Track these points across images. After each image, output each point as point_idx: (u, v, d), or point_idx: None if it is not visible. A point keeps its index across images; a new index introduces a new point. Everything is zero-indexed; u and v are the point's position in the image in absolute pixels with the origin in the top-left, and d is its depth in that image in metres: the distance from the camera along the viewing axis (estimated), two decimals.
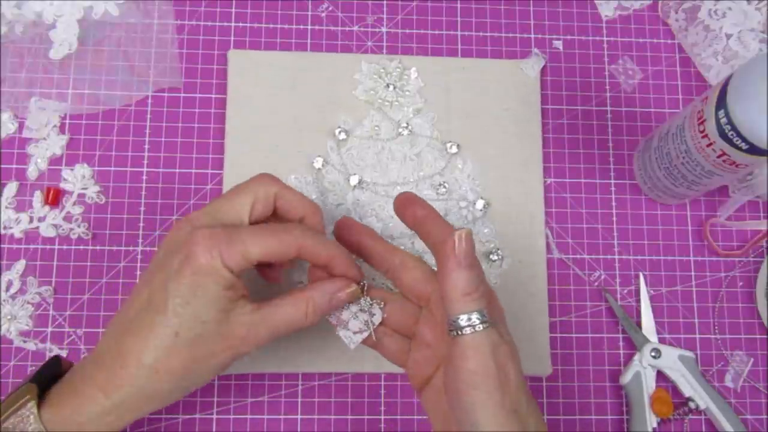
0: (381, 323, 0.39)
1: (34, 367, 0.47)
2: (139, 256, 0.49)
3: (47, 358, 0.39)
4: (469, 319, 0.33)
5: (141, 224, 0.49)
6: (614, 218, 0.51)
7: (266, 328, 0.36)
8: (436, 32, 0.54)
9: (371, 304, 0.39)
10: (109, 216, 0.49)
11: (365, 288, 0.39)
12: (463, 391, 0.33)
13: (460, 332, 0.33)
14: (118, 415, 0.35)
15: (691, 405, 0.47)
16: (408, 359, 0.39)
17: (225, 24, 0.53)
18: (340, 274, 0.38)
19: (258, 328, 0.36)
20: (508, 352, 0.34)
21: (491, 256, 0.49)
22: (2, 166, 0.49)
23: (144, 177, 0.50)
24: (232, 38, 0.52)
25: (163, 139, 0.50)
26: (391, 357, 0.40)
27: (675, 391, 0.48)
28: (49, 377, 0.37)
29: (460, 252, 0.33)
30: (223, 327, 0.35)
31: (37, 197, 0.49)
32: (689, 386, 0.47)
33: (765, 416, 0.49)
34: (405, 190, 0.39)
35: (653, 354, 0.48)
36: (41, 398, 0.35)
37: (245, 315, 0.36)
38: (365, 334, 0.39)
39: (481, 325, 0.33)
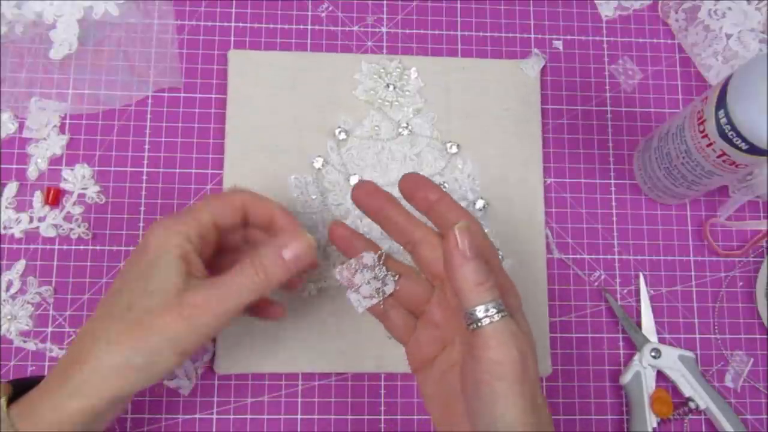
0: (391, 295, 0.38)
1: (34, 368, 0.47)
2: None
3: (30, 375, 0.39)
4: (487, 310, 0.32)
5: (141, 224, 0.49)
6: (614, 218, 0.51)
7: (220, 295, 0.35)
8: (436, 32, 0.54)
9: (385, 274, 0.38)
10: (109, 216, 0.49)
11: (382, 257, 0.38)
12: (485, 382, 0.32)
13: (479, 324, 0.32)
14: (81, 401, 0.34)
15: (691, 405, 0.47)
16: (411, 337, 0.38)
17: (225, 24, 0.53)
18: (286, 225, 0.38)
19: (212, 294, 0.35)
20: (527, 342, 0.33)
21: None
22: (2, 166, 0.49)
23: (144, 177, 0.50)
24: (232, 38, 0.52)
25: (163, 139, 0.50)
26: (394, 331, 0.39)
27: (675, 391, 0.48)
28: (28, 386, 0.36)
29: (463, 246, 0.33)
30: (172, 296, 0.34)
31: (37, 197, 0.49)
32: (689, 386, 0.47)
33: (765, 416, 0.49)
34: (410, 172, 0.38)
35: (653, 354, 0.48)
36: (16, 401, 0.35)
37: (199, 283, 0.35)
38: (374, 301, 0.38)
39: (498, 315, 0.32)
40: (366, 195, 0.38)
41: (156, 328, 0.34)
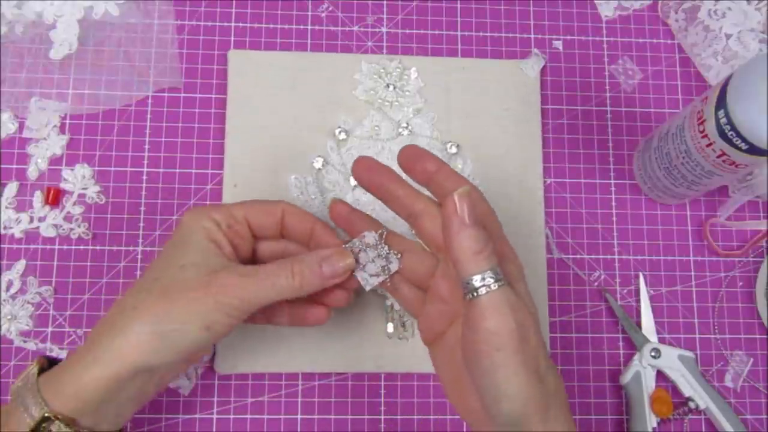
0: (397, 272, 0.39)
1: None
2: (139, 256, 0.49)
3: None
4: (483, 279, 0.32)
5: (141, 224, 0.49)
6: (614, 218, 0.51)
7: (254, 283, 0.36)
8: (436, 32, 0.54)
9: (388, 253, 0.39)
10: (109, 216, 0.49)
11: (383, 235, 0.39)
12: (484, 353, 0.32)
13: (475, 293, 0.32)
14: (104, 368, 0.34)
15: (691, 405, 0.47)
16: (422, 311, 0.38)
17: (225, 24, 0.53)
18: (324, 241, 0.39)
19: (246, 281, 0.35)
20: (526, 311, 0.33)
21: None
22: (2, 166, 0.49)
23: (144, 177, 0.50)
24: (232, 38, 0.52)
25: (163, 139, 0.50)
26: (407, 305, 0.39)
27: (675, 391, 0.48)
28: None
29: (462, 212, 0.32)
30: (203, 273, 0.35)
31: (38, 197, 0.49)
32: (689, 386, 0.47)
33: (765, 416, 0.49)
34: (409, 144, 0.38)
35: (653, 354, 0.48)
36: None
37: (233, 267, 0.36)
38: (381, 279, 0.39)
39: (496, 284, 0.32)
40: (366, 170, 0.38)
41: (183, 300, 0.35)
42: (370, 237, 0.39)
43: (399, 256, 0.39)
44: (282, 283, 0.36)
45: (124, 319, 0.35)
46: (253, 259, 0.41)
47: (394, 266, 0.39)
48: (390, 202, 0.38)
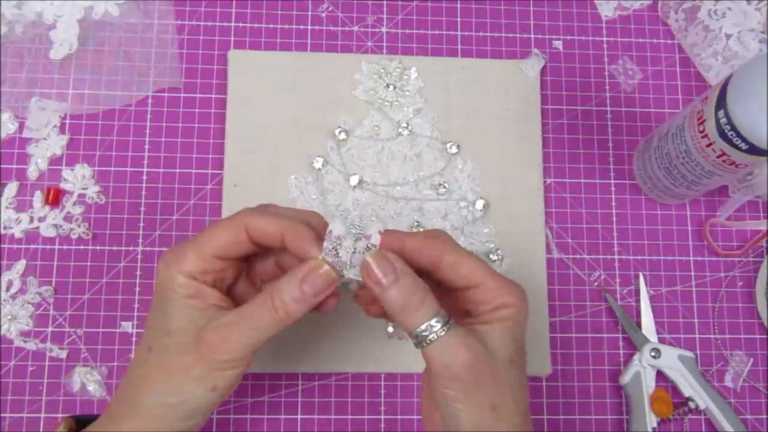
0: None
1: (34, 368, 0.47)
2: (139, 256, 0.49)
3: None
4: (430, 327, 0.33)
5: (141, 224, 0.49)
6: (614, 218, 0.51)
7: (239, 331, 0.34)
8: (436, 32, 0.54)
9: (360, 232, 0.35)
10: (109, 216, 0.49)
11: (347, 217, 0.37)
12: (438, 389, 0.33)
13: (426, 342, 0.33)
14: None
15: (691, 405, 0.47)
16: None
17: (225, 24, 0.53)
18: (295, 247, 0.35)
19: (230, 331, 0.34)
20: (477, 346, 0.33)
21: (491, 256, 0.49)
22: (2, 166, 0.49)
23: (144, 177, 0.50)
24: (232, 38, 0.52)
25: (163, 139, 0.50)
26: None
27: (675, 391, 0.48)
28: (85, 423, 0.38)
29: (377, 275, 0.33)
30: (190, 336, 0.34)
31: (38, 197, 0.49)
32: (689, 386, 0.47)
33: (765, 416, 0.49)
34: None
35: (653, 354, 0.48)
36: None
37: (216, 319, 0.34)
38: None
39: (442, 329, 0.32)
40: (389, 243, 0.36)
41: (179, 369, 0.34)
42: (337, 227, 0.35)
43: (378, 222, 0.37)
44: (267, 321, 0.34)
45: (132, 396, 0.35)
46: (248, 276, 0.39)
47: (375, 239, 0.35)
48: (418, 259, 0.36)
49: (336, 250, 0.35)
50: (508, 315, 0.34)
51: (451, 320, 0.33)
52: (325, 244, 0.35)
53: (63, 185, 0.49)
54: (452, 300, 0.36)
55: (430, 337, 0.32)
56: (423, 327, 0.33)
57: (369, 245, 0.35)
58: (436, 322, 0.33)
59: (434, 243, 0.36)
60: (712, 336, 0.50)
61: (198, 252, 0.35)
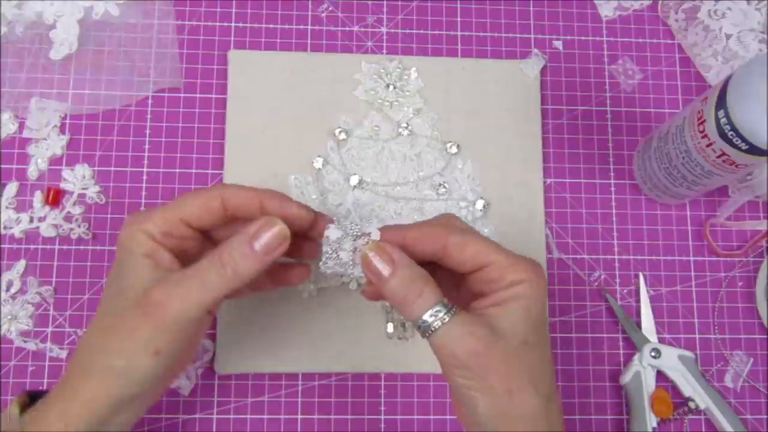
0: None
1: (34, 368, 0.47)
2: None
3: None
4: (434, 314, 0.32)
5: None
6: (614, 218, 0.51)
7: (186, 288, 0.33)
8: (436, 32, 0.54)
9: (359, 226, 0.35)
10: (109, 216, 0.49)
11: (338, 220, 0.36)
12: (451, 378, 0.33)
13: (431, 330, 0.32)
14: (81, 407, 0.33)
15: (691, 405, 0.47)
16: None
17: (225, 24, 0.53)
18: (276, 206, 0.35)
19: (176, 288, 0.33)
20: (484, 333, 0.32)
21: None
22: (2, 166, 0.49)
23: (144, 177, 0.50)
24: (232, 38, 0.52)
25: (163, 139, 0.50)
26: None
27: (675, 391, 0.48)
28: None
29: (374, 272, 0.33)
30: (140, 295, 0.33)
31: (38, 197, 0.49)
32: (689, 386, 0.47)
33: (765, 416, 0.49)
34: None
35: (653, 354, 0.48)
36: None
37: (163, 279, 0.33)
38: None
39: (446, 315, 0.32)
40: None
41: (126, 330, 0.33)
42: (333, 232, 0.35)
43: (374, 222, 0.36)
44: (213, 279, 0.33)
45: (83, 359, 0.34)
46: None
47: (375, 234, 0.35)
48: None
49: (336, 253, 0.35)
50: (521, 292, 0.33)
51: (455, 308, 0.32)
52: (324, 248, 0.35)
53: (63, 185, 0.49)
54: (468, 287, 0.35)
55: (434, 325, 0.32)
56: (425, 316, 0.32)
57: (369, 242, 0.35)
58: (437, 311, 0.32)
59: (436, 229, 0.35)
60: (712, 336, 0.50)
61: (163, 213, 0.35)
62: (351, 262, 0.35)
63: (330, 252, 0.35)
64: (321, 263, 0.36)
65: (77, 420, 0.33)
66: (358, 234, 0.35)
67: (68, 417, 0.34)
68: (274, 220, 0.34)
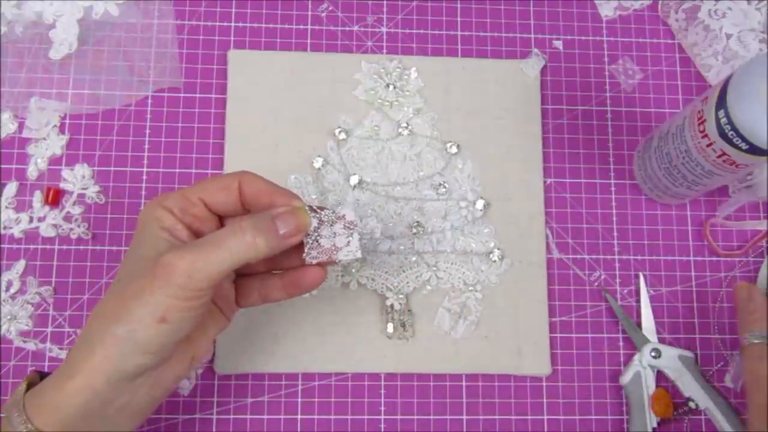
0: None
1: (34, 368, 0.47)
2: None
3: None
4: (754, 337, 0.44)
5: None
6: (614, 218, 0.51)
7: (200, 254, 0.33)
8: (436, 32, 0.54)
9: (333, 212, 0.36)
10: (109, 216, 0.49)
11: (311, 206, 0.36)
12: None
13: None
14: (80, 380, 0.33)
15: (691, 405, 0.47)
16: None
17: (225, 24, 0.53)
18: (285, 201, 0.36)
19: (189, 252, 0.33)
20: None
21: (491, 256, 0.49)
22: (2, 166, 0.49)
23: (144, 177, 0.50)
24: (232, 38, 0.52)
25: (163, 139, 0.50)
26: None
27: (675, 391, 0.48)
28: None
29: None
30: (153, 262, 0.33)
31: (37, 197, 0.49)
32: (689, 386, 0.47)
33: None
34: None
35: (653, 354, 0.48)
36: None
37: (179, 246, 0.34)
38: (356, 237, 0.36)
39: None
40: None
41: (133, 294, 0.33)
42: (310, 221, 0.36)
43: (349, 204, 0.37)
44: (231, 243, 0.33)
45: (93, 329, 0.34)
46: None
47: (351, 216, 0.36)
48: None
49: (317, 242, 0.36)
50: None
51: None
52: (305, 239, 0.36)
53: (63, 185, 0.49)
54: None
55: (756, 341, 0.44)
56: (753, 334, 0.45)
57: (346, 224, 0.36)
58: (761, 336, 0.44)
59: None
60: (713, 336, 0.50)
61: (184, 192, 0.37)
62: (333, 248, 0.36)
63: (311, 242, 0.36)
64: (305, 255, 0.36)
65: (74, 394, 0.33)
66: (335, 219, 0.37)
67: (64, 391, 0.33)
68: (301, 209, 0.36)
